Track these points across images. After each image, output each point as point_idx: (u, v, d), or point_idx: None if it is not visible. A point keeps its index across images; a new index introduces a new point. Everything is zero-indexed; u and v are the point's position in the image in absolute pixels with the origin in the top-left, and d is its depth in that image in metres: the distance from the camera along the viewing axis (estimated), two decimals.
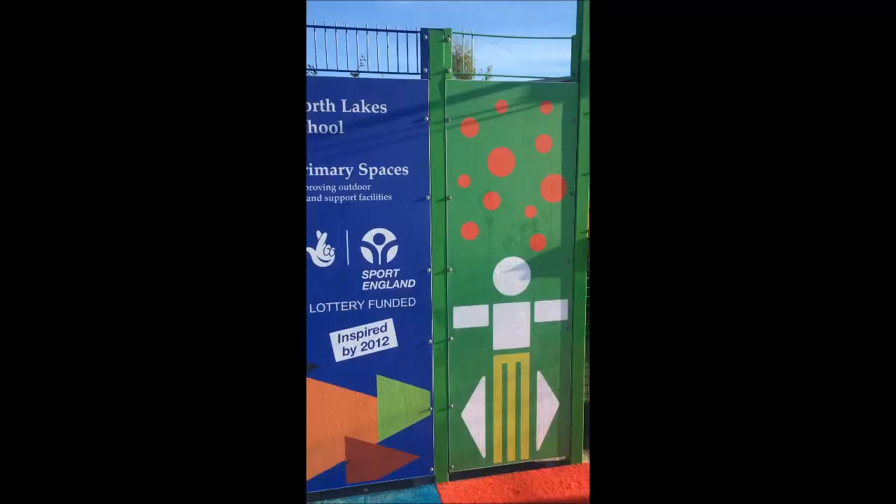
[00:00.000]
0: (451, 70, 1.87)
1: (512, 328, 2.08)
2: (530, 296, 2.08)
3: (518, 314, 2.08)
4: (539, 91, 1.97)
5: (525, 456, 2.16)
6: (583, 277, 2.11)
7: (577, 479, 2.08)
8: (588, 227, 2.08)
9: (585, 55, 1.96)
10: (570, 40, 1.99)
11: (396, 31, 1.82)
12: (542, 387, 2.14)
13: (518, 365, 2.11)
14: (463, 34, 1.91)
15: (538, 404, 2.14)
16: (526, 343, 2.10)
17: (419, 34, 1.83)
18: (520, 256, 2.05)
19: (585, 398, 2.23)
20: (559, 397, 2.16)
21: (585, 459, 2.22)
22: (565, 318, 2.12)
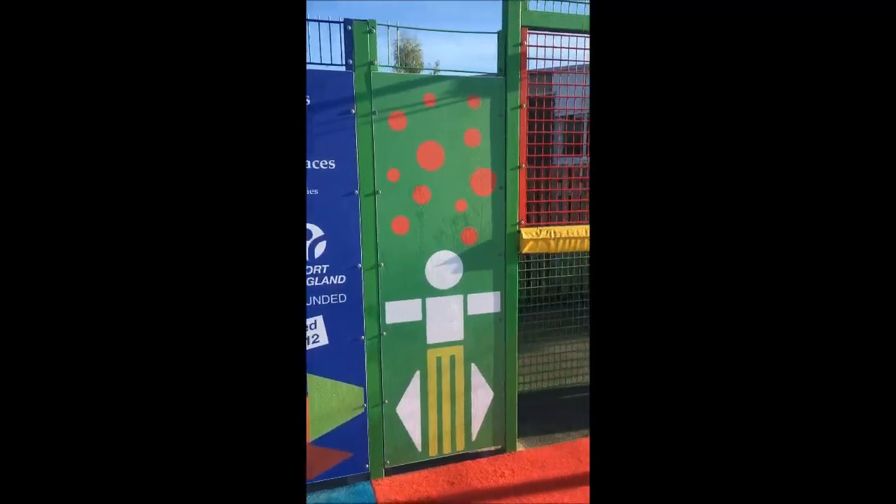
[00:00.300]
0: (375, 62, 1.85)
1: (445, 321, 2.09)
2: (463, 289, 2.10)
3: (451, 307, 2.09)
4: (466, 85, 1.98)
5: (461, 447, 2.19)
6: (514, 269, 2.15)
7: (511, 466, 2.13)
8: (518, 220, 2.12)
9: (511, 51, 1.99)
10: (506, 38, 2.01)
11: (318, 21, 1.77)
12: (477, 378, 2.17)
13: (452, 358, 2.13)
14: (388, 26, 1.89)
15: (473, 395, 2.17)
16: (459, 336, 2.12)
17: (342, 25, 1.80)
18: (451, 250, 2.06)
19: (519, 387, 2.29)
20: (493, 388, 2.20)
21: (520, 447, 2.27)
22: (498, 309, 2.16)
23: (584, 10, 2.10)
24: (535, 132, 2.23)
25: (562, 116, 2.62)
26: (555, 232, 2.15)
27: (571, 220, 2.48)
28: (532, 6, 1.99)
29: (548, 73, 2.38)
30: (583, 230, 2.20)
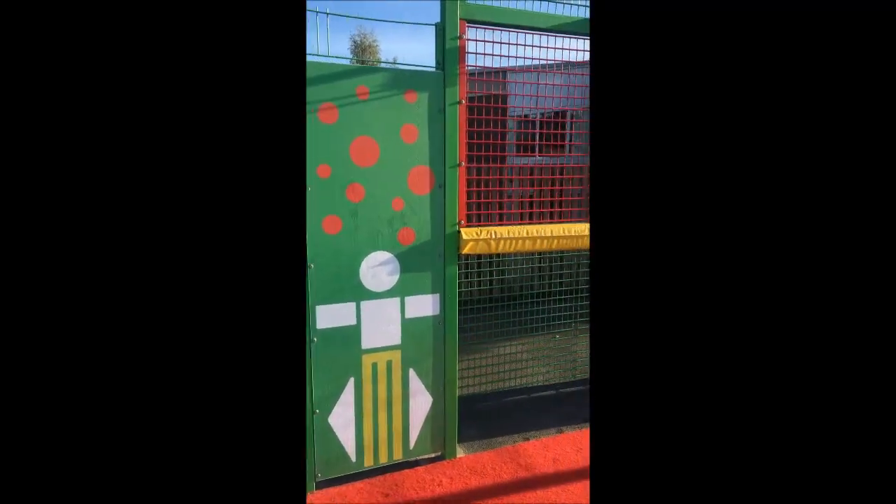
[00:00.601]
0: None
1: (381, 325, 2.00)
2: (400, 291, 2.01)
3: (387, 310, 2.00)
4: (403, 79, 1.89)
5: (398, 456, 2.10)
6: (454, 271, 2.08)
7: (450, 474, 2.07)
8: (458, 220, 2.05)
9: (450, 44, 1.92)
10: (444, 31, 1.93)
11: None
12: (415, 384, 2.09)
13: (389, 363, 2.04)
14: (317, 12, 1.78)
15: (411, 402, 2.09)
16: (397, 340, 2.04)
17: None
18: (388, 251, 1.97)
19: (461, 391, 2.22)
20: (432, 393, 2.12)
21: (460, 453, 2.21)
22: (437, 312, 2.09)
23: (527, 5, 2.05)
24: (478, 129, 2.17)
25: (513, 115, 2.58)
26: (496, 232, 2.10)
27: (522, 220, 2.44)
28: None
29: (501, 71, 2.32)
30: (525, 230, 2.16)
